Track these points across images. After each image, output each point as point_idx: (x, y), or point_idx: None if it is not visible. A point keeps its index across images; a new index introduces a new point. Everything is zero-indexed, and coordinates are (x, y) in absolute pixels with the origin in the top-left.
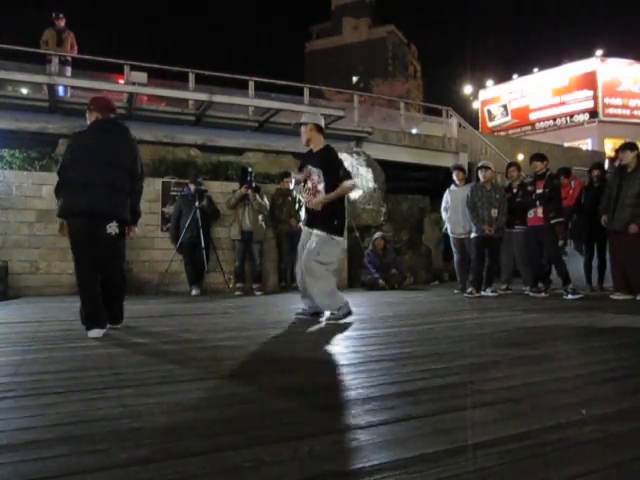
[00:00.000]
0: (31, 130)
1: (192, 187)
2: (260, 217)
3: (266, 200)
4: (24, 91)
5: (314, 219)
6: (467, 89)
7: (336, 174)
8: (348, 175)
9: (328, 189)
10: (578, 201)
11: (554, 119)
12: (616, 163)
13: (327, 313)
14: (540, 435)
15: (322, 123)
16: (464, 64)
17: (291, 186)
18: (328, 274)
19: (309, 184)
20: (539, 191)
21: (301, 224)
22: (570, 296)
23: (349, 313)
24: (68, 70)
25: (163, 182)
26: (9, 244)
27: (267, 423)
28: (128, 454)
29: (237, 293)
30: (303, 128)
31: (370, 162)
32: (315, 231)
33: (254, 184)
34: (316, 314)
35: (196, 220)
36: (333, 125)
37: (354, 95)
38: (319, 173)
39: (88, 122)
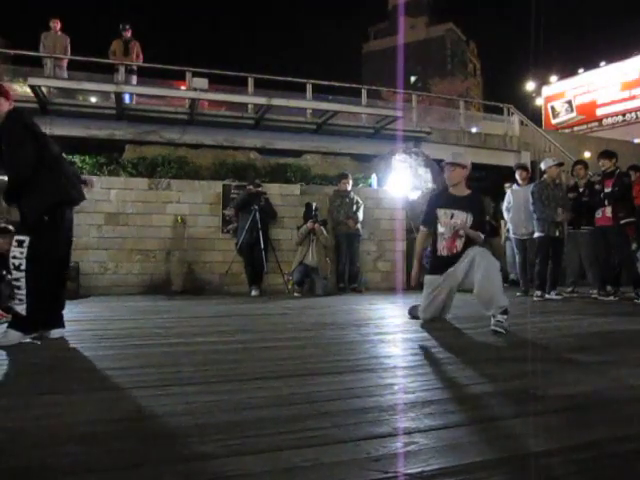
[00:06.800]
0: (100, 137)
1: (251, 189)
2: (325, 252)
3: (330, 236)
4: (93, 100)
5: (465, 245)
6: (529, 85)
7: (483, 218)
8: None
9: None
10: None
11: (623, 114)
12: None
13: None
14: (609, 445)
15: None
16: (526, 60)
17: (348, 187)
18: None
19: (450, 226)
20: (608, 190)
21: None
22: None
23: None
24: (134, 78)
25: (224, 185)
26: (80, 246)
27: (326, 424)
28: (190, 450)
29: (296, 294)
30: (457, 170)
31: (428, 162)
32: (473, 250)
33: (320, 218)
34: None
35: (255, 222)
36: (391, 126)
37: (412, 95)
38: (467, 217)
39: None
